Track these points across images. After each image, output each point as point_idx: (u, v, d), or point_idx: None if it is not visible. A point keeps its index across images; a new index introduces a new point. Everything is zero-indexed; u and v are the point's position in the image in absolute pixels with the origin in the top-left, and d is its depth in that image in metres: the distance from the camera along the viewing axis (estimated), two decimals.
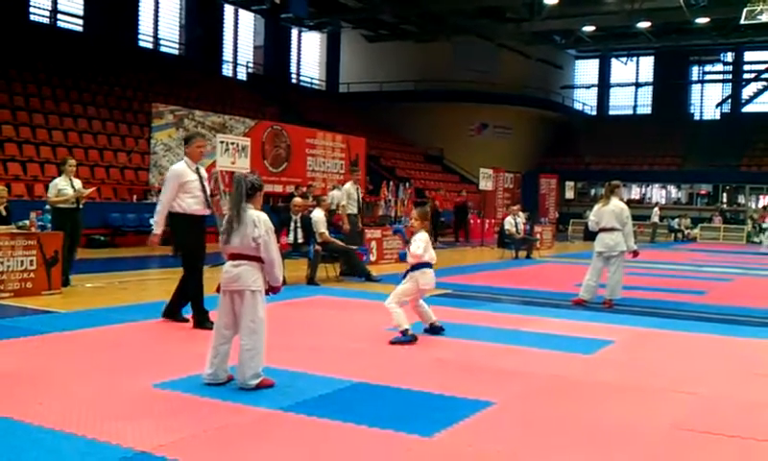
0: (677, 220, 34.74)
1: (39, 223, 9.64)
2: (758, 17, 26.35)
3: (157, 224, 7.55)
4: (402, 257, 7.68)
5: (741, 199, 39.72)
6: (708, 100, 45.55)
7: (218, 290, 5.41)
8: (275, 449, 4.16)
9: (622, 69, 46.73)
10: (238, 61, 35.82)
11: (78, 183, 10.60)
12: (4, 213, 10.51)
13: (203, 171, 7.75)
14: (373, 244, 15.22)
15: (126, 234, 17.92)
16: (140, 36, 30.75)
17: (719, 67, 45.71)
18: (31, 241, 9.36)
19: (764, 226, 25.46)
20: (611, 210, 10.08)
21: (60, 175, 10.72)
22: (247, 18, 36.33)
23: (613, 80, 47.74)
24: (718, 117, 44.30)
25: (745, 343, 7.83)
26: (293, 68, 39.35)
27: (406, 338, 7.04)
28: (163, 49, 32.07)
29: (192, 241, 7.61)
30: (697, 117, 45.36)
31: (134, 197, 19.54)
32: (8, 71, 21.91)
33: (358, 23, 38.01)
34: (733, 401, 5.50)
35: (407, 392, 5.37)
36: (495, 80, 39.04)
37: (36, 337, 6.86)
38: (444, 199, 27.36)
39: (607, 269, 10.16)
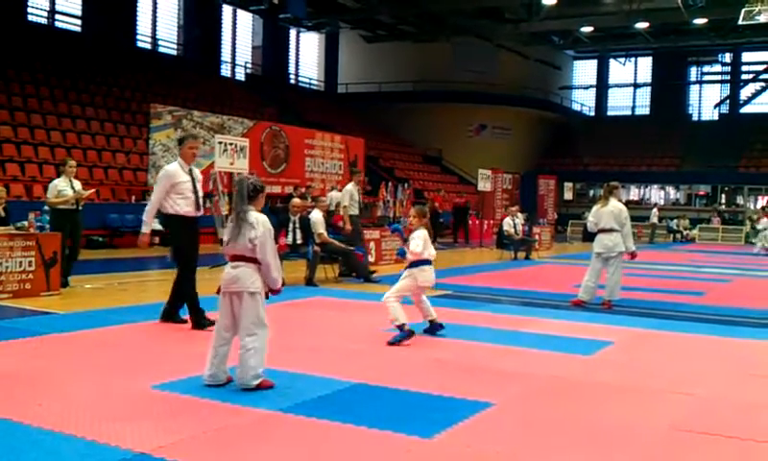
0: (675, 221, 34.77)
1: (38, 224, 9.63)
2: (756, 18, 26.36)
3: (145, 223, 7.56)
4: (400, 254, 7.69)
5: (740, 200, 39.77)
6: (706, 101, 45.62)
7: (218, 292, 5.41)
8: (274, 451, 4.16)
9: (620, 70, 46.77)
10: (236, 62, 35.81)
11: (77, 185, 10.59)
12: (2, 214, 10.50)
13: (196, 173, 7.74)
14: (372, 245, 15.22)
15: (124, 235, 17.90)
16: (138, 37, 30.73)
17: (717, 68, 45.77)
18: (29, 242, 9.35)
19: (759, 227, 25.44)
20: (609, 211, 10.09)
21: (58, 176, 10.70)
22: (245, 19, 36.33)
23: (612, 80, 47.77)
24: (716, 118, 44.35)
25: (743, 344, 7.84)
26: (291, 69, 39.34)
27: (403, 333, 7.04)
28: (161, 49, 32.06)
29: (184, 242, 7.60)
30: (695, 118, 45.43)
31: (133, 198, 19.52)
32: (6, 72, 21.90)
33: (356, 24, 38.02)
34: (732, 402, 5.51)
35: (406, 393, 5.37)
36: (494, 80, 39.06)
37: (35, 338, 6.85)
38: (443, 200, 27.34)
39: (606, 270, 10.17)
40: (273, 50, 37.01)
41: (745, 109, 43.84)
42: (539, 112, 42.38)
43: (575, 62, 48.02)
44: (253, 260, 5.26)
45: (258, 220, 5.24)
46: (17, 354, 6.25)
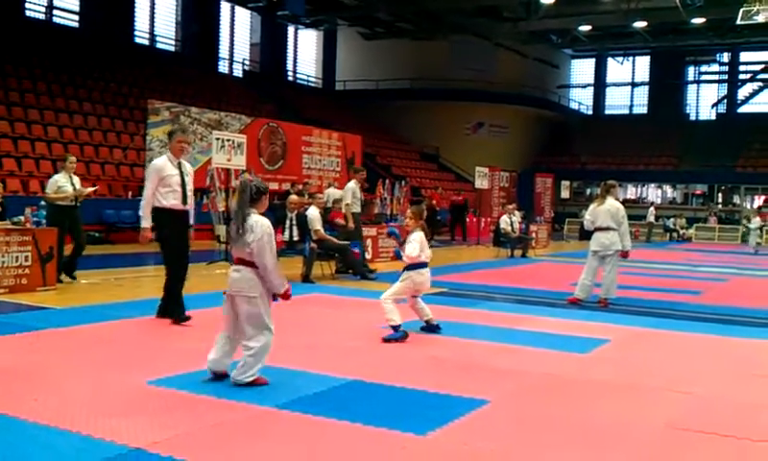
0: (672, 220, 34.81)
1: (34, 219, 9.62)
2: (754, 18, 26.38)
3: (144, 218, 7.57)
4: (398, 255, 7.69)
5: (736, 199, 39.82)
6: (703, 100, 45.67)
7: (225, 293, 5.42)
8: (270, 447, 4.16)
9: (618, 69, 46.80)
10: (234, 59, 35.76)
11: (77, 181, 10.60)
12: None
13: (186, 167, 7.77)
14: (369, 242, 15.21)
15: (121, 231, 17.88)
16: (136, 33, 30.67)
17: (715, 68, 45.83)
18: (26, 237, 9.34)
19: (751, 226, 25.46)
20: (606, 210, 10.10)
21: (56, 171, 10.69)
22: (243, 15, 36.28)
23: (609, 79, 47.81)
24: (714, 118, 44.42)
25: (740, 343, 7.85)
26: (289, 66, 39.29)
27: (398, 334, 7.05)
28: (159, 46, 32.01)
29: (170, 235, 7.59)
30: (693, 117, 45.47)
31: (130, 193, 19.49)
32: (3, 67, 21.87)
33: (354, 21, 37.98)
34: (728, 401, 5.51)
35: (402, 390, 5.37)
36: (492, 79, 39.06)
37: (31, 333, 6.84)
38: (441, 198, 27.34)
39: (602, 268, 10.18)
40: (271, 47, 36.98)
41: (742, 109, 43.90)
42: (536, 111, 42.40)
43: (573, 61, 48.04)
44: (254, 264, 5.26)
45: (258, 223, 5.22)
46: (13, 349, 6.25)
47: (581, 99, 48.06)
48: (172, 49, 32.53)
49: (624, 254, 10.30)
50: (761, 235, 26.93)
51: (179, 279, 7.64)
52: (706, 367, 6.66)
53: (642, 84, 46.89)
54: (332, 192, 17.56)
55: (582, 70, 48.29)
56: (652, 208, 32.76)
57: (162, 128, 19.19)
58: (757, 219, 25.92)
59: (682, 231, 33.99)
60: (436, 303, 8.65)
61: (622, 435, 4.60)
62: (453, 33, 36.44)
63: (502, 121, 41.47)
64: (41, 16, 27.14)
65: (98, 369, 5.65)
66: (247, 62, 36.41)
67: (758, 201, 38.43)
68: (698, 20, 32.57)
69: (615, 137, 42.37)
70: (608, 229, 10.07)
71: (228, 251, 13.71)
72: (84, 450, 3.93)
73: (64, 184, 10.36)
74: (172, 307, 7.58)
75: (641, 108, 46.84)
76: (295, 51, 39.88)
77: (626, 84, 47.20)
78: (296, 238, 11.80)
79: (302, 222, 11.86)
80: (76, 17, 28.06)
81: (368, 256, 14.51)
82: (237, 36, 36.03)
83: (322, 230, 12.11)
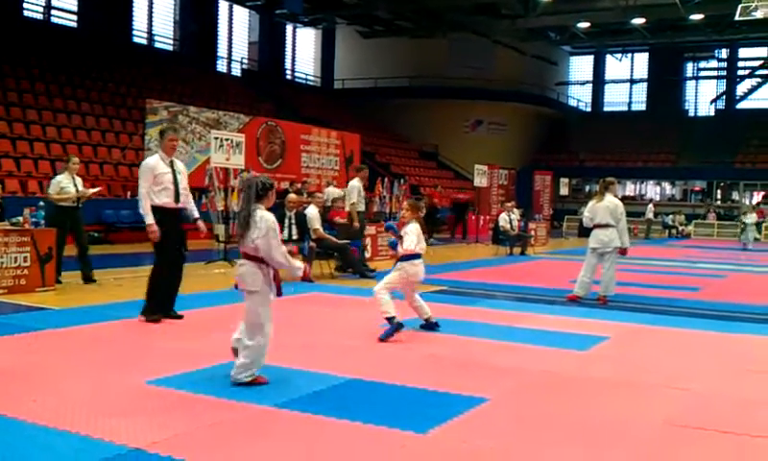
0: (671, 216, 34.83)
1: (33, 219, 9.62)
2: (753, 14, 26.34)
3: (146, 214, 7.57)
4: (391, 245, 7.72)
5: (735, 195, 39.81)
6: (702, 96, 45.66)
7: (236, 286, 5.55)
8: (269, 446, 4.16)
9: (617, 66, 46.79)
10: (233, 57, 35.75)
11: (80, 182, 10.60)
12: None
13: (179, 165, 7.83)
14: (368, 240, 15.21)
15: (120, 231, 17.87)
16: (134, 32, 30.67)
17: (713, 64, 45.80)
18: (24, 238, 9.34)
19: (747, 221, 25.47)
20: (605, 207, 10.10)
21: (55, 171, 10.69)
22: (241, 14, 36.26)
23: (608, 76, 47.79)
24: (712, 114, 44.42)
25: (739, 339, 7.86)
26: (287, 64, 39.28)
27: (392, 327, 7.05)
28: (157, 45, 31.98)
29: (162, 233, 7.59)
30: (691, 114, 45.46)
31: (128, 193, 19.46)
32: (1, 67, 21.84)
33: (353, 19, 37.95)
34: (727, 398, 5.52)
35: (401, 388, 5.38)
36: (490, 76, 39.05)
37: (30, 334, 6.84)
38: (441, 196, 27.32)
39: (601, 265, 10.18)
40: (269, 45, 36.95)
41: (741, 105, 43.86)
42: (535, 108, 42.39)
43: (571, 58, 48.02)
44: (257, 259, 5.30)
45: (262, 218, 5.27)
46: (12, 350, 6.25)
47: (579, 96, 48.06)
48: (170, 48, 32.51)
49: (623, 251, 10.31)
50: (759, 231, 26.92)
51: (165, 276, 7.68)
52: (704, 363, 6.67)
53: (641, 80, 46.87)
54: (332, 191, 17.56)
55: (580, 67, 48.28)
56: (651, 205, 32.78)
57: (161, 127, 19.18)
58: (754, 215, 25.92)
59: (680, 228, 34.01)
60: (435, 301, 8.65)
61: (621, 432, 4.60)
62: (452, 30, 36.42)
63: (501, 119, 41.46)
64: (39, 16, 27.12)
65: (97, 369, 5.66)
66: (245, 61, 36.39)
67: (757, 197, 38.42)
68: (696, 16, 32.54)
69: (614, 134, 42.37)
70: (606, 225, 10.07)
71: (226, 250, 13.72)
72: (82, 451, 3.93)
73: (67, 185, 10.36)
74: (147, 304, 7.63)
75: (640, 104, 46.82)
76: (293, 49, 39.86)
77: (624, 80, 47.18)
78: (295, 237, 11.80)
79: (301, 221, 11.86)
80: (74, 17, 28.05)
81: (367, 255, 14.52)
82: (235, 35, 36.01)
83: (321, 229, 12.11)
